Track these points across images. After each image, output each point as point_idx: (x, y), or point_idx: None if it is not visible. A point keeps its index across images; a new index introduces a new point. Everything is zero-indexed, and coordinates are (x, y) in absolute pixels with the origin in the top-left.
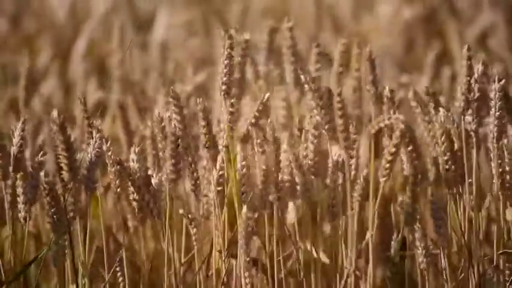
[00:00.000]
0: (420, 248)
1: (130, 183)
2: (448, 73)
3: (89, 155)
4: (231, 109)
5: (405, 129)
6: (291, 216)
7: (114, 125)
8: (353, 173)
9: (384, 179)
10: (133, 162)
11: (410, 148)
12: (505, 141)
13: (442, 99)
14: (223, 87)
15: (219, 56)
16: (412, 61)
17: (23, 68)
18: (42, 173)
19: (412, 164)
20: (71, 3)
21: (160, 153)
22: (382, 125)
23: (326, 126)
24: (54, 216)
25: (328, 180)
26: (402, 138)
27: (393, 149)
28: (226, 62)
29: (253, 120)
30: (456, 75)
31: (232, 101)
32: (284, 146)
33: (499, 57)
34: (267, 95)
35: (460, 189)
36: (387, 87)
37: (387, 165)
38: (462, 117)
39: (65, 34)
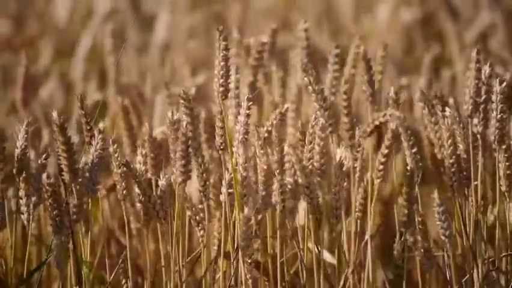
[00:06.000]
0: (422, 250)
1: (136, 185)
2: (447, 75)
3: (91, 157)
4: (247, 111)
5: (403, 128)
6: (302, 216)
7: (113, 126)
8: (357, 174)
9: (378, 180)
10: (139, 164)
11: (414, 150)
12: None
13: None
14: (221, 89)
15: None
16: (411, 63)
17: (21, 68)
18: (44, 175)
19: (411, 165)
20: (73, 5)
21: (172, 155)
22: (377, 122)
23: (330, 128)
24: (57, 219)
25: (332, 182)
26: (394, 139)
27: (386, 151)
28: (222, 64)
29: (269, 129)
30: (455, 76)
31: (250, 103)
32: (286, 148)
33: (499, 58)
34: (286, 106)
35: (466, 192)
36: (392, 89)
37: (381, 166)
38: (470, 120)
39: (67, 35)
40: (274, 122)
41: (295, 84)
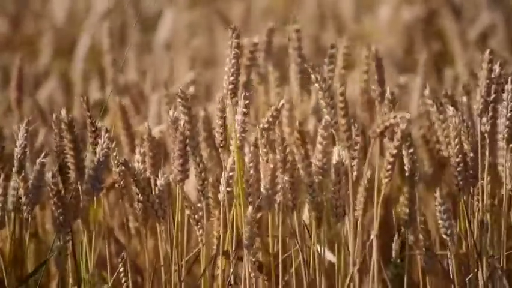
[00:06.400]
0: (424, 249)
1: (134, 184)
2: (449, 74)
3: (97, 155)
4: (244, 110)
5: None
6: (307, 215)
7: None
8: (354, 173)
9: (386, 180)
10: (138, 163)
11: (411, 150)
12: None
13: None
14: (230, 86)
15: (223, 57)
16: (412, 62)
17: (16, 68)
18: (49, 174)
19: (411, 165)
20: (71, 4)
21: (172, 153)
22: (388, 124)
23: (335, 126)
24: (61, 217)
25: (332, 181)
26: (403, 139)
27: (395, 151)
28: (233, 61)
29: (266, 125)
30: (457, 76)
31: (247, 102)
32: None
33: (500, 57)
34: (282, 101)
35: (472, 191)
36: (388, 89)
37: (389, 166)
38: (479, 119)
39: (66, 35)
40: (270, 118)
41: (295, 84)
